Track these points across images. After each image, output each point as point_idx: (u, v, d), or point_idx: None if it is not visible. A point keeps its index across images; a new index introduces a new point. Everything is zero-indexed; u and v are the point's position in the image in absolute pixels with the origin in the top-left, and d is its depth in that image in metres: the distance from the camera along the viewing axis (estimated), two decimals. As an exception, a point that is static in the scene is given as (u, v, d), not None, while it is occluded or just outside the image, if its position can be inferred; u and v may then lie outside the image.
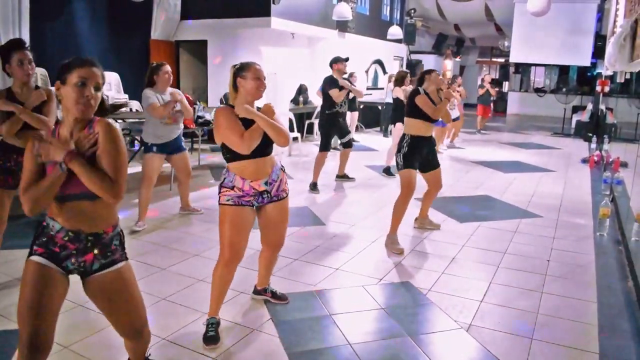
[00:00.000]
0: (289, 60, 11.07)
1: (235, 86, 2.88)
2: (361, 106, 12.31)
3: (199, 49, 10.88)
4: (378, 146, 10.65)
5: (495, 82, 18.74)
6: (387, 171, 7.75)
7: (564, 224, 5.34)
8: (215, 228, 4.85)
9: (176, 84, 10.85)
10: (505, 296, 3.58)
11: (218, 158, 7.84)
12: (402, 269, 4.05)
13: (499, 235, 4.92)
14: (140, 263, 3.96)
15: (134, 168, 7.38)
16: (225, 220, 2.88)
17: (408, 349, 2.87)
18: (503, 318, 3.26)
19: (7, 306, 3.20)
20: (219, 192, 2.91)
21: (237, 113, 2.81)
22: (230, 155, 2.84)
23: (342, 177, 7.22)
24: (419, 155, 4.57)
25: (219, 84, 10.50)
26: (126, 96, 8.87)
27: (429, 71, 4.76)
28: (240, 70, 2.86)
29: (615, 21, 9.18)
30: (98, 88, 1.94)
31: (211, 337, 2.87)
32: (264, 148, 2.85)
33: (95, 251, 2.02)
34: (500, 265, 4.15)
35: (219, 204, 2.91)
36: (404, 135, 4.60)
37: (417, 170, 4.61)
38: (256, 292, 3.45)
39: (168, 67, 4.79)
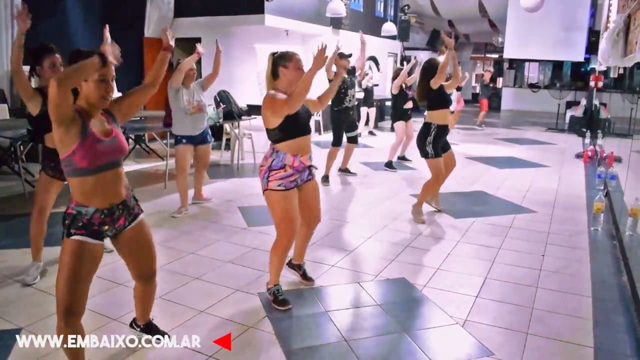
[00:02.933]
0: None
1: (275, 73, 3.14)
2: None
3: (192, 46, 10.81)
4: (373, 143, 10.65)
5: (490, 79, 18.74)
6: (389, 165, 7.80)
7: (558, 219, 5.36)
8: (210, 226, 4.89)
9: (170, 82, 10.81)
10: (501, 291, 3.59)
11: (214, 156, 7.81)
12: (398, 265, 4.06)
13: (494, 231, 4.93)
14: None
15: (128, 166, 7.36)
16: (278, 206, 3.12)
17: (404, 345, 2.88)
18: (498, 313, 3.27)
19: (2, 306, 3.19)
20: (267, 178, 3.10)
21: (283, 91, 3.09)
22: (282, 134, 3.10)
23: (344, 170, 7.39)
24: (441, 141, 5.10)
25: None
26: (120, 94, 8.82)
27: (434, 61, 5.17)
28: (282, 60, 3.12)
29: (608, 16, 9.21)
30: (113, 80, 2.28)
31: (283, 299, 3.26)
32: (305, 127, 3.19)
33: (125, 214, 2.37)
34: (495, 261, 4.16)
35: (269, 189, 3.11)
36: (428, 125, 5.04)
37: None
38: (291, 265, 3.72)
39: (193, 64, 5.20)
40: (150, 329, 2.83)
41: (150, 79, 2.61)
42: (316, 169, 3.37)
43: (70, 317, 2.20)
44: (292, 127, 3.10)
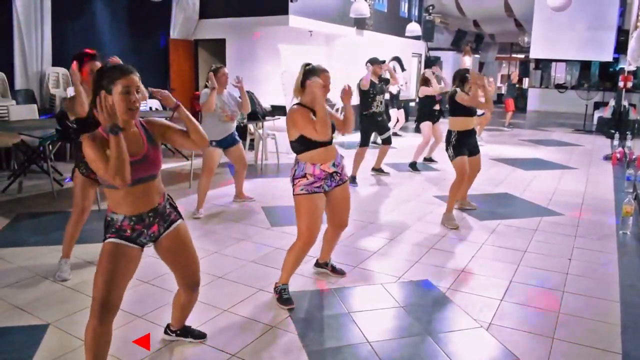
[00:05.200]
0: (307, 58, 11.02)
1: (303, 84, 3.25)
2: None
3: (217, 47, 10.94)
4: (397, 144, 10.60)
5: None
6: (413, 166, 7.78)
7: (585, 222, 5.26)
8: (234, 226, 4.93)
9: (195, 83, 10.93)
10: (526, 295, 3.54)
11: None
12: (421, 267, 4.03)
13: (519, 234, 4.87)
14: (158, 260, 3.99)
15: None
16: (301, 208, 3.24)
17: (427, 348, 2.86)
18: (524, 317, 3.23)
19: (31, 302, 3.26)
20: (293, 185, 3.26)
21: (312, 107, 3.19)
22: (304, 146, 3.22)
23: (377, 170, 7.51)
24: (466, 145, 5.17)
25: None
26: (146, 95, 8.96)
27: (466, 71, 5.28)
28: (310, 74, 3.21)
29: (638, 15, 9.02)
30: (138, 91, 2.23)
31: (288, 299, 3.30)
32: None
33: (158, 221, 2.37)
34: (520, 264, 4.11)
35: (294, 195, 3.25)
36: (450, 132, 5.18)
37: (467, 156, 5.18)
38: (318, 265, 3.85)
39: (225, 70, 5.34)
40: (186, 332, 2.86)
41: (190, 135, 2.41)
42: (339, 173, 3.35)
43: (104, 314, 2.19)
44: (310, 140, 3.19)
